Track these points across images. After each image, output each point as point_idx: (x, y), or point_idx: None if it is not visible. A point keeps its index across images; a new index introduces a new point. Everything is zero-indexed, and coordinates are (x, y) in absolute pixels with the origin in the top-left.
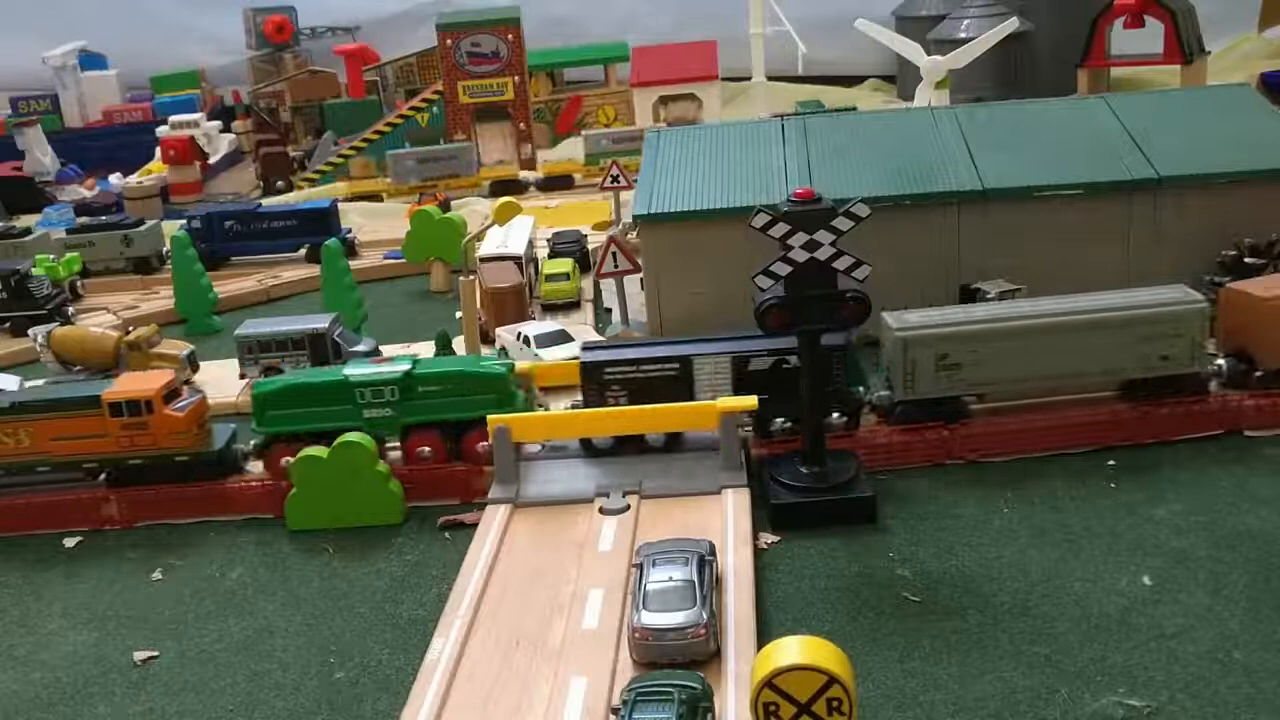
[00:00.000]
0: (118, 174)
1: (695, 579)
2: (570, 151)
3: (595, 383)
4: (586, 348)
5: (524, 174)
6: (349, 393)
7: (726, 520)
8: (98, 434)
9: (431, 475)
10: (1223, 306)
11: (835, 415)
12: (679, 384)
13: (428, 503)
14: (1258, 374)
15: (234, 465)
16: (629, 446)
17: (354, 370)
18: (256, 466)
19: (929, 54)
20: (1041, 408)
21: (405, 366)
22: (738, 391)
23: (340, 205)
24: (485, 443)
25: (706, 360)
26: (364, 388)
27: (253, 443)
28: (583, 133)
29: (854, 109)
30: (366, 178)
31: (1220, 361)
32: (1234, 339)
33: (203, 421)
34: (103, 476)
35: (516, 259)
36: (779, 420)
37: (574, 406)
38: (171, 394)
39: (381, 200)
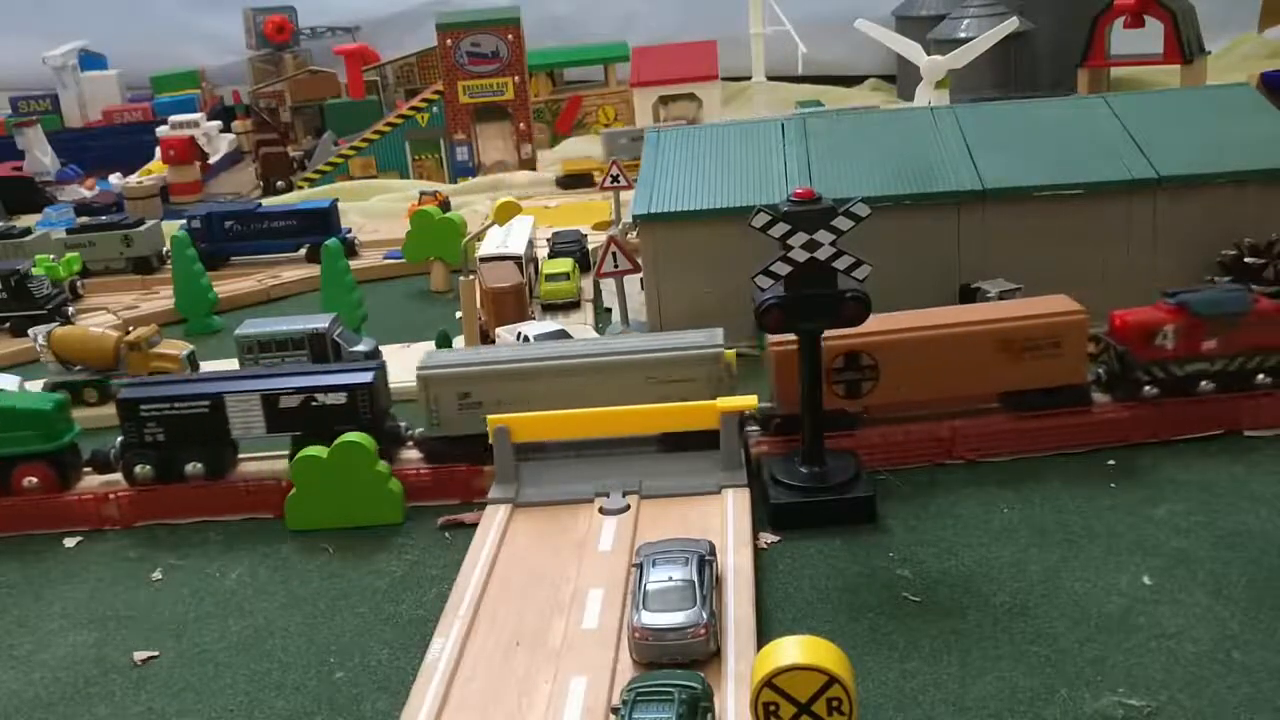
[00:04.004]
0: (118, 174)
1: (695, 579)
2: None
3: (133, 420)
4: (128, 384)
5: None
6: None
7: (726, 520)
8: None
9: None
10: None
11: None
12: (212, 421)
13: (428, 503)
14: (775, 419)
15: None
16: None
17: None
18: None
19: (929, 54)
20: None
21: None
22: (272, 428)
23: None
24: (30, 478)
25: (237, 399)
26: None
27: None
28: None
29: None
30: (367, 176)
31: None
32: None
33: None
34: None
35: (516, 259)
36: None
37: (121, 442)
38: None
39: (594, 180)
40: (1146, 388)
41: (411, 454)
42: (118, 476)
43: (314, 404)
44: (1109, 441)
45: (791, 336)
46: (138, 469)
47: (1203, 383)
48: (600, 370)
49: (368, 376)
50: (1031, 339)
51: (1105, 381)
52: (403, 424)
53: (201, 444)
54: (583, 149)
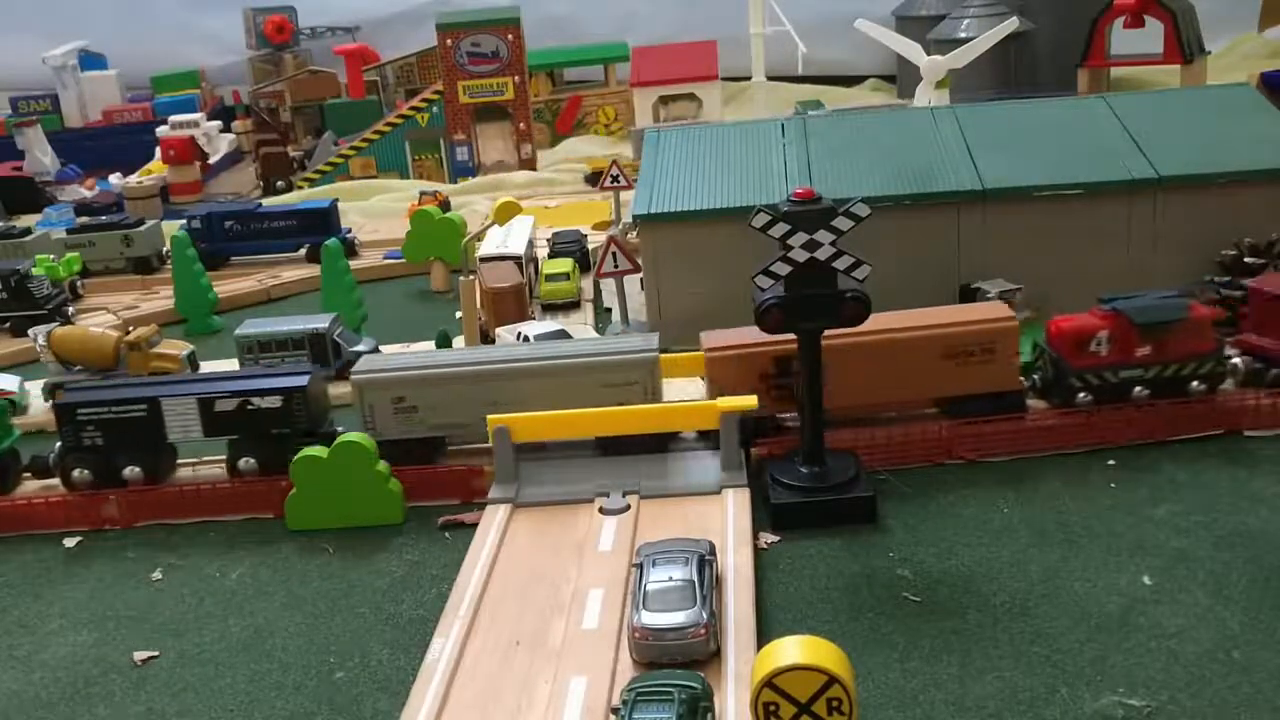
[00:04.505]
0: (118, 174)
1: (695, 579)
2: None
3: (71, 424)
4: (67, 389)
5: None
6: None
7: (726, 520)
8: None
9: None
10: None
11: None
12: (149, 425)
13: (428, 503)
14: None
15: None
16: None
17: None
18: None
19: (929, 54)
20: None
21: None
22: (209, 432)
23: (334, 202)
24: None
25: (174, 402)
26: None
27: None
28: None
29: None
30: (367, 176)
31: None
32: None
33: None
34: None
35: (516, 259)
36: (247, 460)
37: (60, 447)
38: None
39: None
40: (1081, 394)
41: None
42: (57, 481)
43: (250, 408)
44: (1108, 442)
45: (725, 341)
46: (76, 473)
47: (1137, 389)
48: (533, 374)
49: (303, 380)
50: (964, 345)
51: (1041, 388)
52: (340, 429)
53: (139, 448)
54: (584, 148)
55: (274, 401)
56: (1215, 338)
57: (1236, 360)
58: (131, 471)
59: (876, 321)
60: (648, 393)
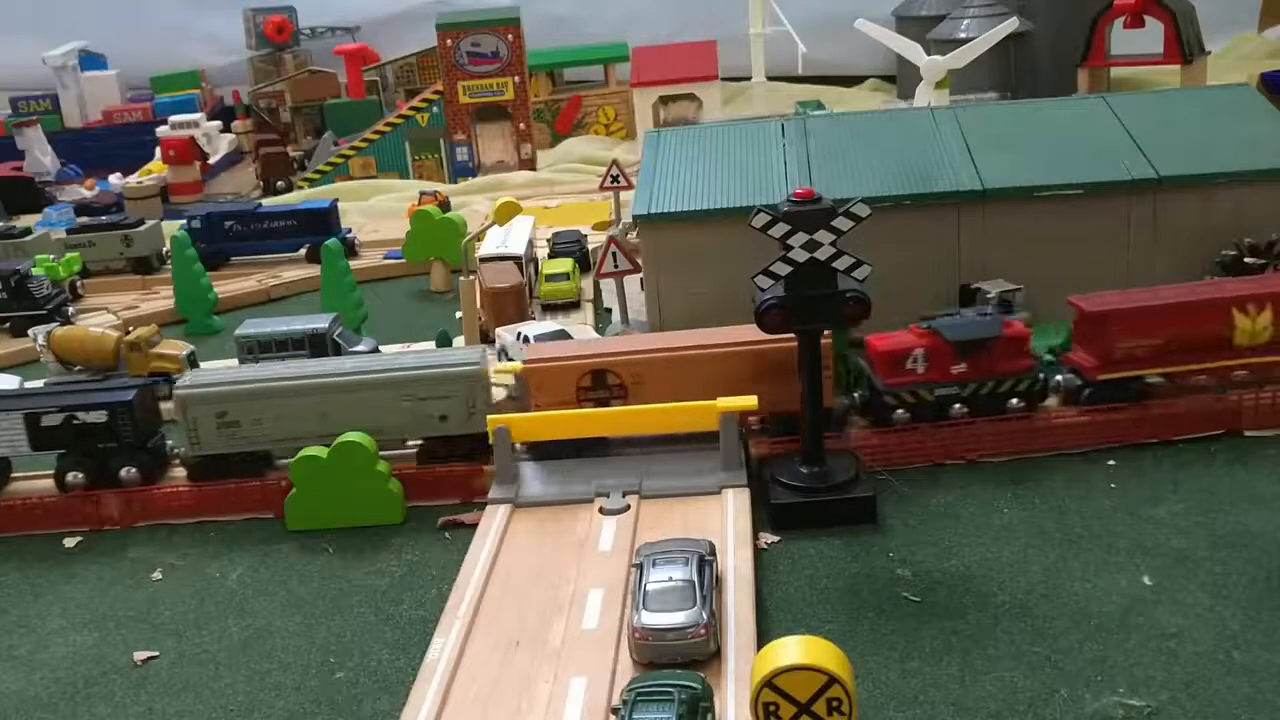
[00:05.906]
0: (118, 174)
1: (695, 579)
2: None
3: None
4: None
5: None
6: None
7: (726, 520)
8: None
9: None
10: None
11: (128, 471)
12: None
13: (428, 503)
14: None
15: None
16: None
17: None
18: None
19: (929, 54)
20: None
21: None
22: (36, 446)
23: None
24: None
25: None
26: None
27: None
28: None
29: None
30: (367, 176)
31: None
32: None
33: None
34: None
35: (516, 259)
36: (75, 475)
37: None
38: None
39: None
40: (897, 411)
41: (179, 473)
42: None
43: (75, 422)
44: (1105, 441)
45: (545, 353)
46: None
47: (955, 406)
48: (357, 389)
49: (129, 395)
50: (779, 362)
51: (860, 405)
52: (169, 443)
53: None
54: (584, 149)
55: (99, 416)
56: (1032, 355)
57: (1059, 377)
58: None
59: (690, 337)
60: (470, 406)
